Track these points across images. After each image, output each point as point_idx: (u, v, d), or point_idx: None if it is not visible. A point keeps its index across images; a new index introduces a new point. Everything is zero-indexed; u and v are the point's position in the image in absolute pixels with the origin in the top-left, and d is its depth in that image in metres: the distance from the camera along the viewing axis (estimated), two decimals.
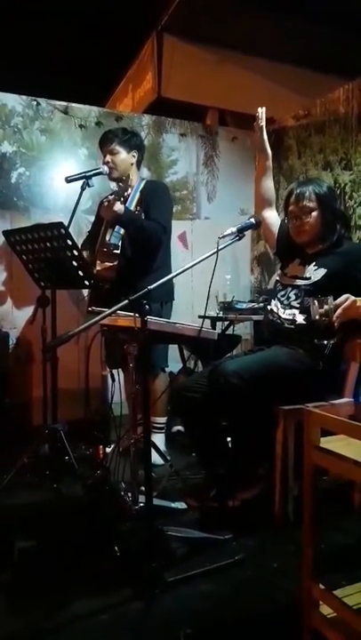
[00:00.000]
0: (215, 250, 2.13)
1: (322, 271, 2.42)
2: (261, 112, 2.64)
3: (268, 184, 2.79)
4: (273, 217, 2.76)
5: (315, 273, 2.45)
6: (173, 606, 1.75)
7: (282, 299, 2.53)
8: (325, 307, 2.06)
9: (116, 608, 1.73)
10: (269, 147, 2.74)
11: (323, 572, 1.46)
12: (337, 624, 1.39)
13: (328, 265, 2.42)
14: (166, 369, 3.30)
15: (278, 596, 1.78)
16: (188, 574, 1.87)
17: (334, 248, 2.46)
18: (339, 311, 2.05)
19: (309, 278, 2.45)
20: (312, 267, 2.47)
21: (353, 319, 2.09)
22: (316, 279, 2.43)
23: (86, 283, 2.87)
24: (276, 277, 2.68)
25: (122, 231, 3.08)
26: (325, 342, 2.19)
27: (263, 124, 2.65)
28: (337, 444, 1.40)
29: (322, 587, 1.43)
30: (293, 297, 2.47)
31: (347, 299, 2.07)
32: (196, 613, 1.71)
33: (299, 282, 2.49)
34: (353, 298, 2.07)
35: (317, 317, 2.09)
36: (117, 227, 3.09)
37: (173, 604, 1.76)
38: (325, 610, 1.44)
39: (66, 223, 2.65)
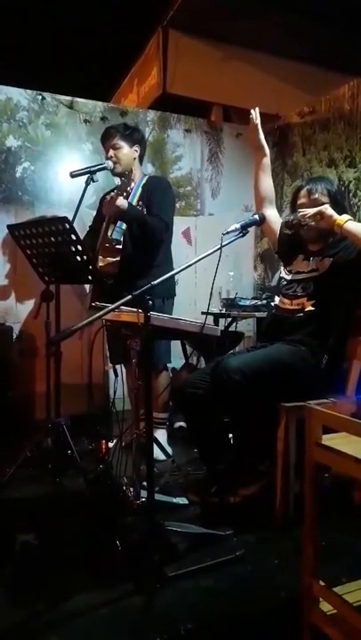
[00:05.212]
0: (218, 246, 2.13)
1: (328, 260, 2.43)
2: (255, 112, 2.66)
3: (268, 182, 2.78)
4: (274, 216, 2.75)
5: (320, 263, 2.45)
6: (174, 601, 1.75)
7: (287, 292, 2.53)
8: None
9: (117, 602, 1.74)
10: (266, 144, 2.75)
11: (323, 568, 1.46)
12: (337, 621, 1.40)
13: (333, 255, 2.42)
14: (169, 365, 3.30)
15: (278, 592, 1.78)
16: (189, 569, 1.88)
17: (338, 242, 2.45)
18: (311, 211, 2.30)
19: (317, 270, 2.46)
20: (317, 259, 2.47)
21: (326, 230, 2.34)
22: (323, 270, 2.43)
23: (90, 278, 2.87)
24: (281, 275, 2.67)
25: (124, 226, 3.07)
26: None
27: (258, 122, 2.67)
28: (338, 441, 1.40)
29: (322, 583, 1.44)
30: (301, 290, 2.48)
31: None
32: (197, 608, 1.72)
33: (305, 275, 2.50)
34: (328, 207, 2.31)
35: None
36: (119, 222, 3.08)
37: (174, 598, 1.76)
38: (325, 607, 1.44)
39: (70, 218, 2.65)
